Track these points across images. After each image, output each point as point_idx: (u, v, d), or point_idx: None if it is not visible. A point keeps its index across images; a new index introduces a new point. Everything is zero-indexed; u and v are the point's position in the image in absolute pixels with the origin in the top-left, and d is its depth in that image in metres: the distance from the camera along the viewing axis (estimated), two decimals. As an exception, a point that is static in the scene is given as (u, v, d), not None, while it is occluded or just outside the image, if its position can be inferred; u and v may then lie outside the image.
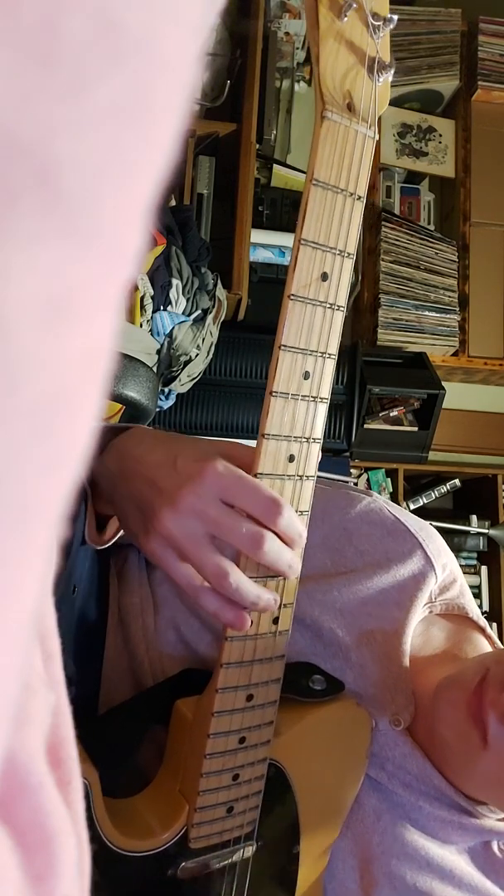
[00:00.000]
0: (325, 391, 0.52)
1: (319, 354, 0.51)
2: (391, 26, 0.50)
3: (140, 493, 0.53)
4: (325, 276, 0.50)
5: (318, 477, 0.72)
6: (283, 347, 0.50)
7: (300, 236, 0.49)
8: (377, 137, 0.51)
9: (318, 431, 0.53)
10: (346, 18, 0.48)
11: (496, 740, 0.59)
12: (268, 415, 0.50)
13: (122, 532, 0.65)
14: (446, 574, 0.74)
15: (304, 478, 0.53)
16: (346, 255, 0.51)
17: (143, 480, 0.53)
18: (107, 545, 0.65)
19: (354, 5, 0.47)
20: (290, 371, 0.50)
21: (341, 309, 0.51)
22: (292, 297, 0.49)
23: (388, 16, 0.49)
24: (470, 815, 0.65)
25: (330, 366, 0.52)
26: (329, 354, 0.52)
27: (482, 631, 0.74)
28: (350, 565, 0.72)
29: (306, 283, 0.49)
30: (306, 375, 0.51)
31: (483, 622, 0.74)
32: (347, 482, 2.19)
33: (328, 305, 0.51)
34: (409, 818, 0.66)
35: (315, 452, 0.53)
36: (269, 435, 0.50)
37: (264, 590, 0.51)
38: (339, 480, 2.04)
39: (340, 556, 0.72)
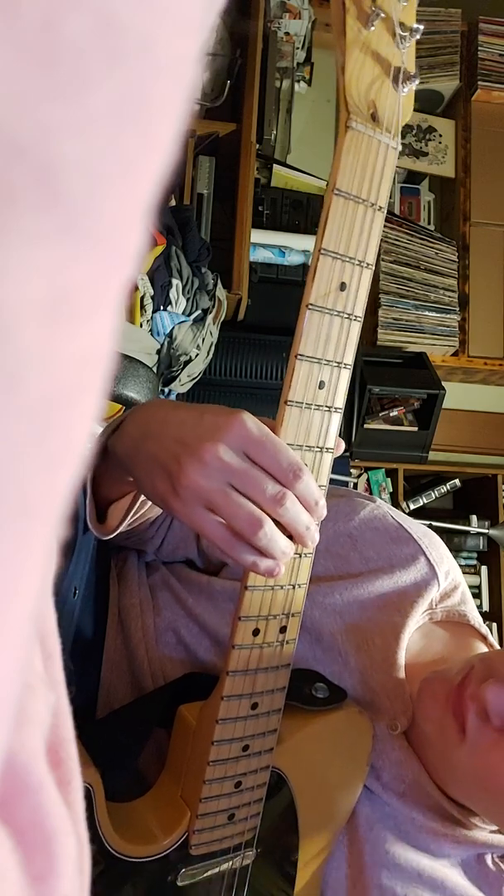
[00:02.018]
0: (340, 401, 0.52)
1: (335, 364, 0.51)
2: (417, 36, 0.49)
3: (164, 450, 0.51)
4: (343, 286, 0.50)
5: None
6: (299, 357, 0.49)
7: (320, 246, 0.48)
8: (400, 148, 0.51)
9: (332, 441, 0.52)
10: (372, 28, 0.47)
11: (473, 734, 0.59)
12: (282, 424, 0.50)
13: (126, 522, 0.64)
14: (448, 581, 0.74)
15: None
16: (365, 265, 0.50)
17: (167, 438, 0.51)
18: (112, 535, 0.65)
19: (382, 15, 0.47)
20: (305, 380, 0.50)
21: (359, 319, 0.51)
22: (310, 307, 0.49)
23: (415, 26, 0.49)
24: (463, 826, 0.65)
25: (345, 376, 0.52)
26: (345, 364, 0.51)
27: (483, 639, 0.74)
28: (354, 570, 0.71)
29: (325, 293, 0.49)
30: (321, 385, 0.51)
31: (485, 630, 0.74)
32: (347, 482, 2.19)
33: (346, 315, 0.50)
34: (401, 830, 0.66)
35: (328, 462, 0.53)
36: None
37: (290, 541, 0.50)
38: (339, 481, 2.04)
39: (344, 562, 0.72)
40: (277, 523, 0.49)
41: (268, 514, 0.48)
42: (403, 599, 0.70)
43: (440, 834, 0.65)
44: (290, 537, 0.51)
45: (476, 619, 0.74)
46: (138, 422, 0.56)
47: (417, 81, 0.50)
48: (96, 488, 0.64)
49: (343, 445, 0.54)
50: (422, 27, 0.49)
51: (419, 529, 0.75)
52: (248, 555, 0.49)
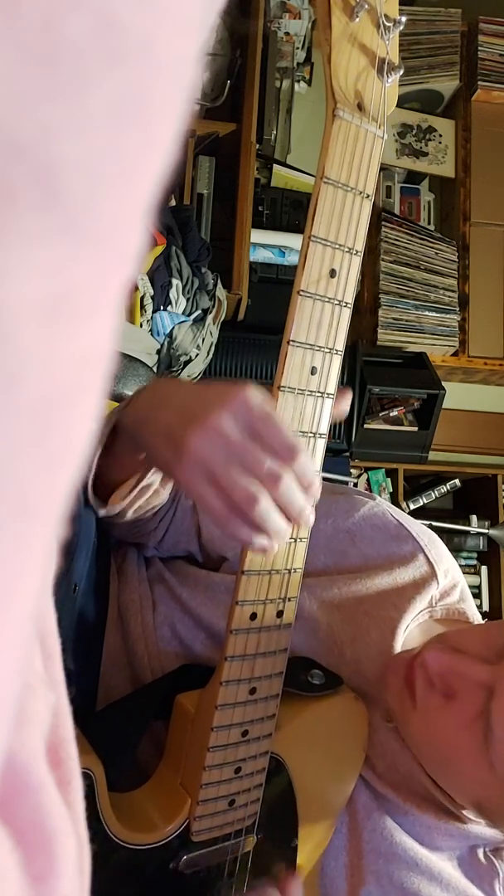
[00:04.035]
0: (332, 387, 0.53)
1: (327, 350, 0.52)
2: (400, 28, 0.50)
3: (171, 420, 0.51)
4: (333, 273, 0.51)
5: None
6: (291, 343, 0.50)
7: (310, 233, 0.49)
8: (386, 137, 0.52)
9: (324, 427, 0.53)
10: (357, 19, 0.48)
11: (421, 700, 0.60)
12: (275, 409, 0.50)
13: (129, 500, 0.64)
14: (448, 579, 0.74)
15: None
16: (354, 252, 0.51)
17: (174, 408, 0.51)
18: (117, 510, 0.65)
19: (366, 6, 0.48)
20: (298, 366, 0.51)
21: (349, 306, 0.52)
22: (301, 293, 0.50)
23: (398, 17, 0.50)
24: (457, 819, 0.65)
25: (337, 362, 0.52)
26: (336, 350, 0.52)
27: None
28: (353, 567, 0.72)
29: (315, 280, 0.50)
30: (314, 371, 0.52)
31: None
32: (347, 482, 2.19)
33: (336, 302, 0.51)
34: (397, 820, 0.66)
35: (321, 448, 0.53)
36: None
37: (284, 520, 0.50)
38: (339, 481, 2.04)
39: (343, 558, 0.72)
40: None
41: (267, 490, 0.48)
42: (401, 596, 0.70)
43: (433, 826, 0.65)
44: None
45: (475, 617, 0.74)
46: (147, 396, 0.57)
47: (401, 72, 0.51)
48: (105, 471, 0.65)
49: (349, 395, 0.55)
50: (405, 19, 0.50)
51: (418, 528, 0.76)
52: (243, 530, 0.49)
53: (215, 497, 0.49)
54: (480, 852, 0.68)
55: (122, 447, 0.61)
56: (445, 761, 0.61)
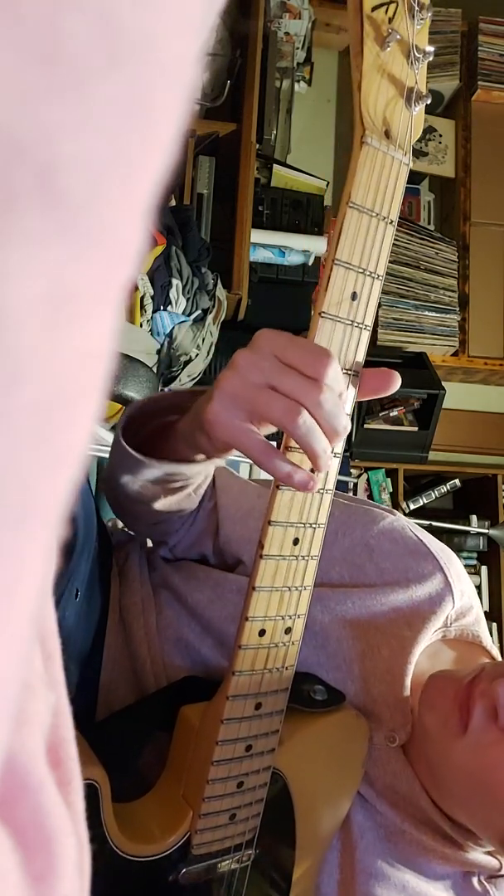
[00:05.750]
0: (349, 407, 0.53)
1: (345, 371, 0.52)
2: (430, 58, 0.51)
3: (210, 390, 0.52)
4: (354, 296, 0.51)
5: (339, 493, 0.72)
6: None
7: (334, 256, 0.50)
8: (411, 164, 0.53)
9: (339, 448, 0.53)
10: (388, 48, 0.49)
11: (477, 730, 0.59)
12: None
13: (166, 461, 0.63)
14: (464, 601, 0.73)
15: (324, 492, 0.53)
16: (375, 276, 0.52)
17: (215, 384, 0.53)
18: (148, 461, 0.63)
19: (398, 37, 0.49)
20: None
21: (368, 328, 0.52)
22: (323, 315, 0.50)
23: (427, 48, 0.51)
24: (455, 845, 0.65)
25: (355, 383, 0.53)
26: (355, 372, 0.53)
27: (493, 660, 0.73)
28: (369, 581, 0.71)
29: (337, 302, 0.51)
30: None
31: (495, 651, 0.73)
32: (347, 482, 2.19)
33: (356, 324, 0.52)
34: (390, 840, 0.65)
35: (335, 467, 0.54)
36: (293, 448, 0.51)
37: (325, 439, 0.49)
38: (340, 481, 2.04)
39: (360, 572, 0.71)
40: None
41: (308, 408, 0.48)
42: (416, 615, 0.69)
43: (429, 849, 0.64)
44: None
45: (487, 641, 0.73)
46: (199, 401, 0.58)
47: (429, 101, 0.52)
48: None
49: (394, 380, 0.55)
50: (433, 49, 0.51)
51: (437, 546, 0.74)
52: (283, 465, 0.49)
53: (253, 435, 0.49)
54: (475, 879, 0.67)
55: (175, 451, 0.62)
56: (486, 795, 0.60)
